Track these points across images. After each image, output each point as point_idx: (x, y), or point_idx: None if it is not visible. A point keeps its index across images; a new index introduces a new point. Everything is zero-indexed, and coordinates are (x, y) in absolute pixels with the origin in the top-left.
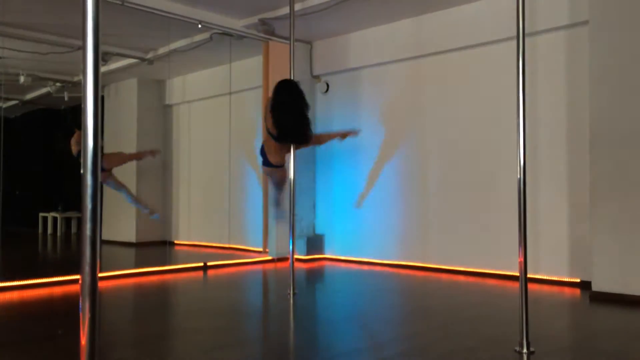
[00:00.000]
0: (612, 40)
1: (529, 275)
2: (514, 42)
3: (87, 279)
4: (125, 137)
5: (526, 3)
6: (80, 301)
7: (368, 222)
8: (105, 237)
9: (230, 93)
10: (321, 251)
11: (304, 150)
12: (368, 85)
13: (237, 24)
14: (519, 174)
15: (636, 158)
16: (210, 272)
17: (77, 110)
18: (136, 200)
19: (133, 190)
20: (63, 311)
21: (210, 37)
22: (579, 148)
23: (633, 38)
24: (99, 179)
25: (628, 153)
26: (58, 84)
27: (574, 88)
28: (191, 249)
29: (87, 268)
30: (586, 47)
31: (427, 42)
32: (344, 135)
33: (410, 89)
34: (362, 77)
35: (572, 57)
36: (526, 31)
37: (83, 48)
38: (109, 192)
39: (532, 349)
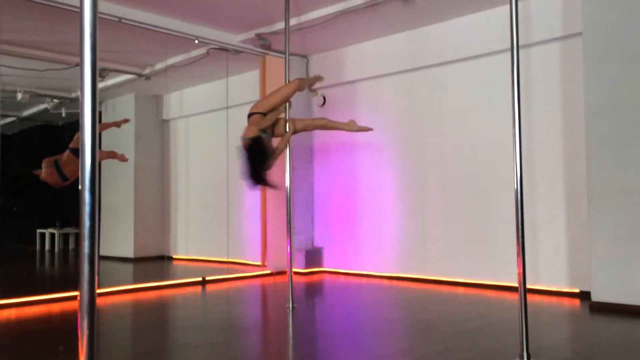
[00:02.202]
0: (606, 50)
1: (528, 286)
2: (509, 54)
3: (86, 296)
4: (123, 152)
5: (520, 15)
6: (78, 319)
7: (367, 234)
8: (102, 252)
9: (227, 107)
10: (320, 264)
11: (302, 163)
12: (364, 98)
13: (234, 39)
14: (515, 185)
15: (633, 167)
16: (209, 287)
17: (74, 126)
18: None
19: (131, 207)
20: (61, 328)
21: (207, 52)
22: (575, 158)
23: (626, 48)
24: (97, 196)
25: (625, 162)
26: (55, 101)
27: (569, 98)
28: (189, 263)
29: (85, 286)
30: (580, 58)
31: (422, 55)
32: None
33: (407, 101)
34: (358, 90)
35: (567, 68)
36: (520, 43)
37: (81, 65)
38: (106, 207)
39: None
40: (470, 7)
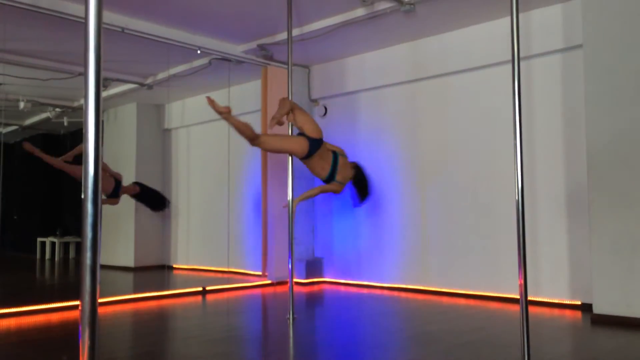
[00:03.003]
0: (606, 62)
1: (529, 298)
2: (510, 66)
3: (87, 307)
4: (124, 161)
5: (521, 27)
6: (80, 329)
7: (367, 245)
8: (103, 261)
9: None
10: (320, 274)
11: (303, 173)
12: (366, 108)
13: (236, 49)
14: (517, 196)
15: (634, 179)
16: (209, 297)
17: (76, 134)
18: None
19: (132, 216)
20: (61, 338)
21: (210, 63)
22: (576, 170)
23: (626, 60)
24: (100, 207)
25: (626, 174)
26: (58, 110)
27: (570, 110)
28: (190, 273)
29: (87, 296)
30: (581, 69)
31: (423, 66)
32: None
33: (408, 112)
34: (359, 100)
35: (568, 80)
36: (521, 55)
37: (85, 75)
38: (106, 216)
39: None
40: (472, 19)
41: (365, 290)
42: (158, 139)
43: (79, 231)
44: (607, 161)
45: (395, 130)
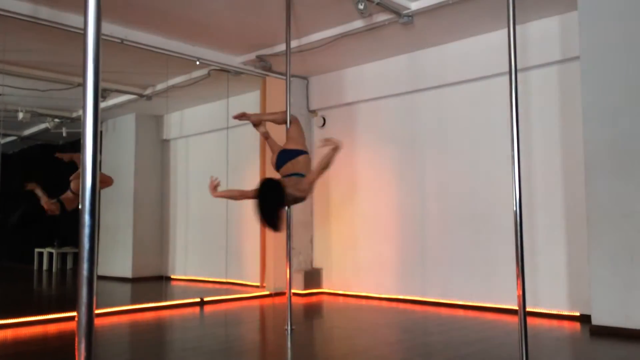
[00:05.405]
0: (603, 74)
1: (528, 309)
2: (507, 77)
3: (84, 319)
4: (123, 172)
5: (518, 39)
6: (76, 341)
7: (366, 256)
8: (100, 272)
9: (227, 128)
10: (319, 285)
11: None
12: (364, 119)
13: (235, 60)
14: (515, 207)
15: (633, 190)
16: (207, 308)
17: (75, 145)
18: None
19: (130, 226)
20: (58, 349)
21: (208, 73)
22: (574, 180)
23: (623, 72)
24: (97, 218)
25: (623, 184)
26: (56, 120)
27: (568, 121)
28: (188, 284)
29: (83, 308)
30: (578, 81)
31: (422, 78)
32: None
33: (406, 123)
34: (358, 111)
35: (565, 91)
36: (519, 66)
37: (84, 86)
38: (105, 226)
39: None
40: (469, 30)
41: (364, 302)
42: (157, 150)
43: (76, 242)
44: (605, 172)
45: (394, 141)
